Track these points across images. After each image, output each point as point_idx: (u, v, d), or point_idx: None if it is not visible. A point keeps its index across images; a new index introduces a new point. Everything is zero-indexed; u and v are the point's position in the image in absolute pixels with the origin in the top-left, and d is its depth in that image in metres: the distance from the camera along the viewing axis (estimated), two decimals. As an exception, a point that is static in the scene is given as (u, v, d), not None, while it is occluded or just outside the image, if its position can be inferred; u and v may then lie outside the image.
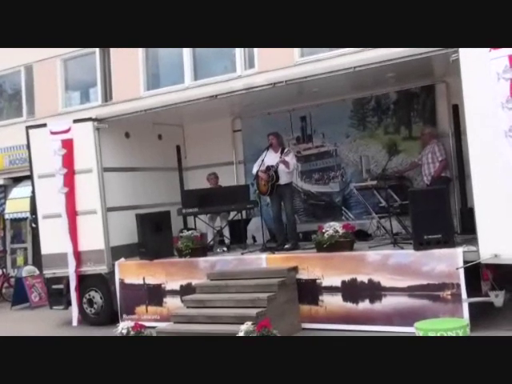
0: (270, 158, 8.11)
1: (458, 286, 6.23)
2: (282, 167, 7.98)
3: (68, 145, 8.82)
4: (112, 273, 8.76)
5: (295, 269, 7.25)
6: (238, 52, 11.01)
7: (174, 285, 8.21)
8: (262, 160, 8.11)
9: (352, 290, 6.90)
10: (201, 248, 8.33)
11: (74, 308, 8.99)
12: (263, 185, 8.10)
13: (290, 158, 8.07)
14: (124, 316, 8.52)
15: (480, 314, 6.33)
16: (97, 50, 12.79)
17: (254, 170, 8.23)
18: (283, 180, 8.05)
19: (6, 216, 13.91)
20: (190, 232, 8.50)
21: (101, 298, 9.06)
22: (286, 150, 8.13)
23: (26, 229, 14.28)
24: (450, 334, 4.75)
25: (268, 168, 8.02)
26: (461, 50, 6.01)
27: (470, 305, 6.20)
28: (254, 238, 9.47)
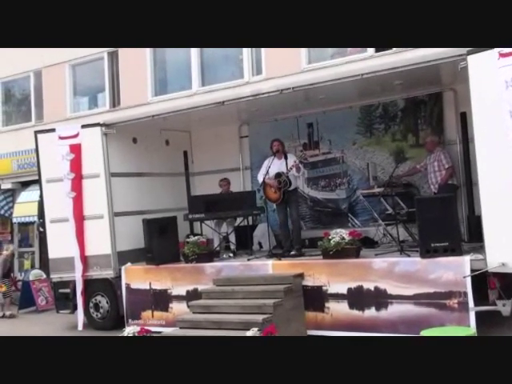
0: (276, 165, 8.10)
1: (465, 294, 6.18)
2: (291, 172, 7.95)
3: (76, 150, 8.88)
4: (118, 277, 8.78)
5: (301, 275, 7.23)
6: (246, 58, 11.04)
7: (180, 290, 8.21)
8: (269, 167, 8.10)
9: (358, 298, 6.87)
10: (207, 253, 8.33)
11: (80, 312, 9.00)
12: (274, 192, 8.05)
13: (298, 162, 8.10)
14: (130, 321, 8.52)
15: (487, 322, 6.29)
16: (105, 55, 12.87)
17: (260, 178, 8.21)
18: (291, 186, 8.04)
19: (14, 220, 13.97)
20: (196, 237, 8.50)
21: (107, 302, 9.10)
22: (295, 157, 8.14)
23: (33, 233, 14.34)
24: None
25: (279, 174, 7.98)
26: (469, 57, 6.00)
27: (477, 313, 6.16)
28: (260, 244, 9.46)
